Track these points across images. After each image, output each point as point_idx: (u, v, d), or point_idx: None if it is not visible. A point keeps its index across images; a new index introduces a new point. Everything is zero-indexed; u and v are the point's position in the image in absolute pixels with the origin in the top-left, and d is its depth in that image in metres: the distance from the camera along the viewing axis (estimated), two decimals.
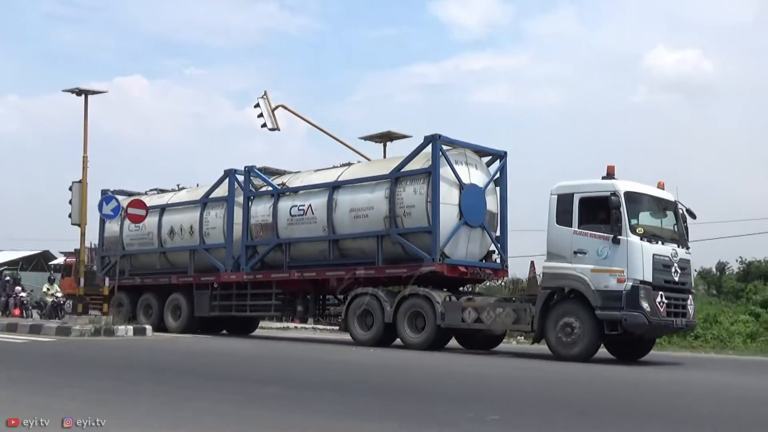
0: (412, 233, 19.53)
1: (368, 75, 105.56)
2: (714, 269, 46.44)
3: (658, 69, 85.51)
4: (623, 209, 16.19)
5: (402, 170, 19.73)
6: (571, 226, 16.79)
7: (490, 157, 21.14)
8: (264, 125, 33.48)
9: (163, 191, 26.99)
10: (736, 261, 44.53)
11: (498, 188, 20.98)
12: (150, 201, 26.17)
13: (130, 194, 27.53)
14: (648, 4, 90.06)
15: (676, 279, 16.99)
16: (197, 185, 25.74)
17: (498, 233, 20.91)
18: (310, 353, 18.91)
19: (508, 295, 22.73)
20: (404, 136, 33.81)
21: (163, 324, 24.57)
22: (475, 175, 20.12)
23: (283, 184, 22.48)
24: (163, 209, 25.37)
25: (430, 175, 19.12)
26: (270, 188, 22.59)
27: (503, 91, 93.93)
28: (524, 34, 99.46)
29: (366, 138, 33.62)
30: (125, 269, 26.01)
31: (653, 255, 16.39)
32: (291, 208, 21.75)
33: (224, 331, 25.95)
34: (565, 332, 16.50)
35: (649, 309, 15.99)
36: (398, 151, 34.92)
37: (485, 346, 20.28)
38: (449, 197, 19.29)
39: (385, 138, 33.24)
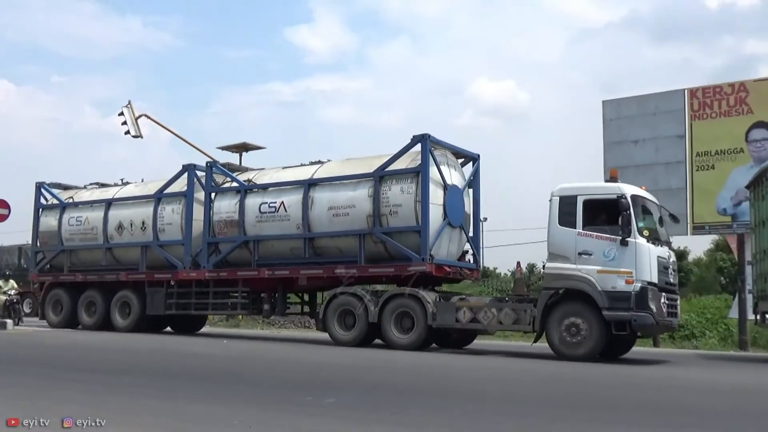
0: (398, 232, 18.47)
1: (226, 91, 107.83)
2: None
3: (480, 96, 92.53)
4: (632, 212, 15.87)
5: (387, 169, 18.69)
6: (575, 228, 16.24)
7: (463, 159, 20.45)
8: (128, 132, 35.55)
9: (104, 185, 24.91)
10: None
11: (471, 190, 20.32)
12: (92, 195, 24.34)
13: (66, 188, 25.52)
14: (472, 38, 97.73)
15: (672, 280, 16.84)
16: (142, 180, 23.98)
17: (471, 234, 20.25)
18: (187, 347, 18.00)
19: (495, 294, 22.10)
20: (259, 148, 35.19)
21: (109, 323, 22.68)
22: (454, 176, 19.41)
23: (249, 180, 21.00)
24: (109, 203, 23.32)
25: (419, 174, 18.17)
26: (235, 184, 21.07)
27: (349, 111, 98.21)
28: (367, 60, 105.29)
29: (223, 148, 34.91)
30: (64, 265, 24.00)
31: (657, 257, 16.12)
32: (260, 205, 20.31)
33: (168, 329, 24.26)
34: (570, 332, 15.94)
35: (655, 309, 15.65)
36: (253, 161, 34.50)
37: (459, 345, 19.62)
38: (435, 197, 18.39)
39: (242, 148, 34.78)
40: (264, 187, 20.67)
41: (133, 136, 35.64)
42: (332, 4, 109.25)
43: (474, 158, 20.40)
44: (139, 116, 36.13)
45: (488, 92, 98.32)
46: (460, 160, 20.34)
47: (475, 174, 20.35)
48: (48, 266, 24.96)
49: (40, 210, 24.99)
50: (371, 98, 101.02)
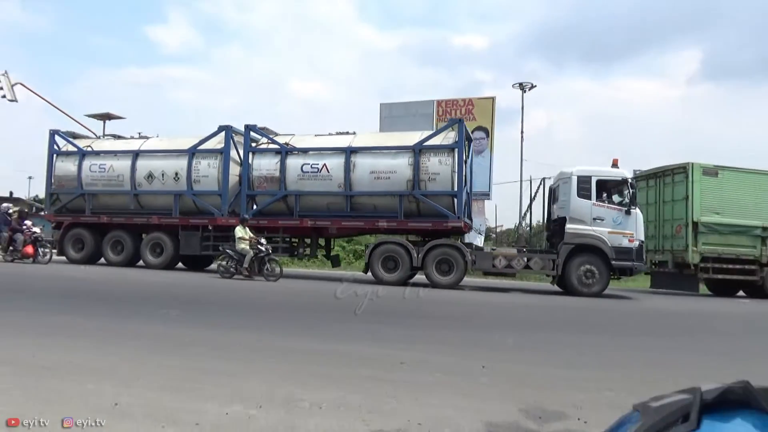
0: (434, 195, 22.18)
1: (91, 71, 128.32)
2: None
3: (295, 92, 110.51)
4: (636, 190, 21.20)
5: (425, 144, 22.31)
6: (590, 200, 21.19)
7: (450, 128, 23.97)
8: (4, 96, 39.75)
9: (121, 137, 26.43)
10: None
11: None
12: (114, 145, 25.71)
13: (75, 136, 26.52)
14: (291, 47, 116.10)
15: None
16: (157, 135, 25.67)
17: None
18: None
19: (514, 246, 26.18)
20: (120, 118, 41.77)
21: (137, 260, 24.89)
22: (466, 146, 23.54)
23: (287, 143, 23.65)
24: (137, 154, 24.93)
25: (454, 150, 22.08)
26: (274, 146, 23.73)
27: (194, 95, 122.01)
28: (210, 57, 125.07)
29: (90, 115, 40.71)
30: (85, 207, 25.36)
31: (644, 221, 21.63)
32: (302, 165, 23.11)
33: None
34: (586, 276, 21.02)
35: (644, 260, 21.31)
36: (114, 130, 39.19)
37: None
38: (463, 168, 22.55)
39: (105, 117, 40.99)
40: (304, 150, 23.45)
41: (9, 100, 39.28)
42: (184, 9, 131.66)
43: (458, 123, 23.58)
44: (15, 84, 39.76)
45: (301, 90, 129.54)
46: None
47: (468, 138, 23.81)
48: (63, 209, 26.14)
49: (55, 156, 25.94)
50: (212, 86, 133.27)
